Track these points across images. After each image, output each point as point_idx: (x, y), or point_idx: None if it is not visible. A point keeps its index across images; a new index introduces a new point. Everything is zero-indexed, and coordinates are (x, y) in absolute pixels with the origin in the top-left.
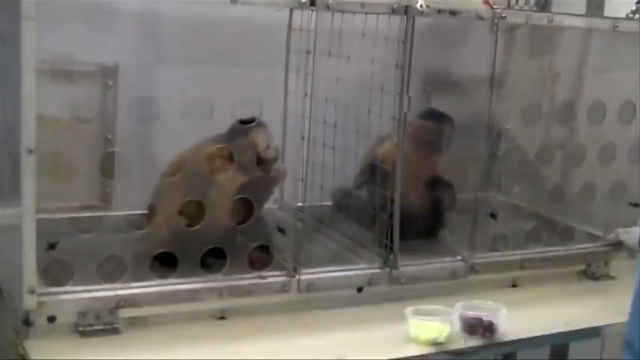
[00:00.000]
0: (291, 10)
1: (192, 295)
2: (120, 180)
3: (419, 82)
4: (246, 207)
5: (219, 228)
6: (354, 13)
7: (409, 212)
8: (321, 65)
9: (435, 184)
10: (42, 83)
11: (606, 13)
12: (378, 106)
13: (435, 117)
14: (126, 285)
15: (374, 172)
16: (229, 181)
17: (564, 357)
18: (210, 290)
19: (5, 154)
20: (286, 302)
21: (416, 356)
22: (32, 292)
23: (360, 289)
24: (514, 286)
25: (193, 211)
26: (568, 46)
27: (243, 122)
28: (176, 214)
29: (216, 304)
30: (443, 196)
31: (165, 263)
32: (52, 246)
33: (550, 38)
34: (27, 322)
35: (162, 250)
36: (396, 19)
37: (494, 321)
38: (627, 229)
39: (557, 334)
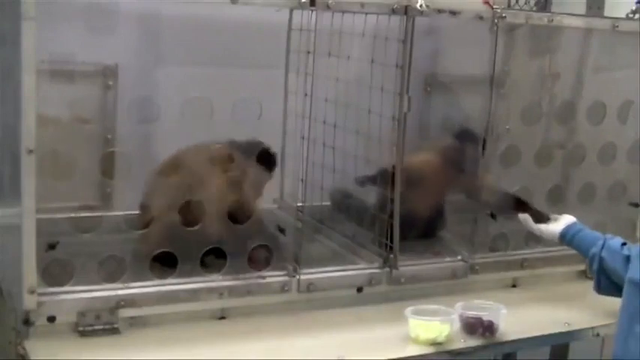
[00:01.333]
0: (291, 10)
1: (192, 295)
2: (120, 180)
3: (419, 82)
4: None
5: (214, 227)
6: (354, 13)
7: (414, 216)
8: (321, 65)
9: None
10: (42, 83)
11: (606, 13)
12: (378, 106)
13: (470, 139)
14: (126, 285)
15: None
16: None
17: (564, 357)
18: (210, 290)
19: (5, 154)
20: (286, 302)
21: (416, 356)
22: (32, 292)
23: (360, 289)
24: (514, 286)
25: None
26: (568, 46)
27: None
28: (174, 213)
29: (216, 304)
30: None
31: (166, 263)
32: (52, 246)
33: (550, 38)
34: (27, 322)
35: (160, 250)
36: (396, 19)
37: (495, 321)
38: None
39: (557, 334)
